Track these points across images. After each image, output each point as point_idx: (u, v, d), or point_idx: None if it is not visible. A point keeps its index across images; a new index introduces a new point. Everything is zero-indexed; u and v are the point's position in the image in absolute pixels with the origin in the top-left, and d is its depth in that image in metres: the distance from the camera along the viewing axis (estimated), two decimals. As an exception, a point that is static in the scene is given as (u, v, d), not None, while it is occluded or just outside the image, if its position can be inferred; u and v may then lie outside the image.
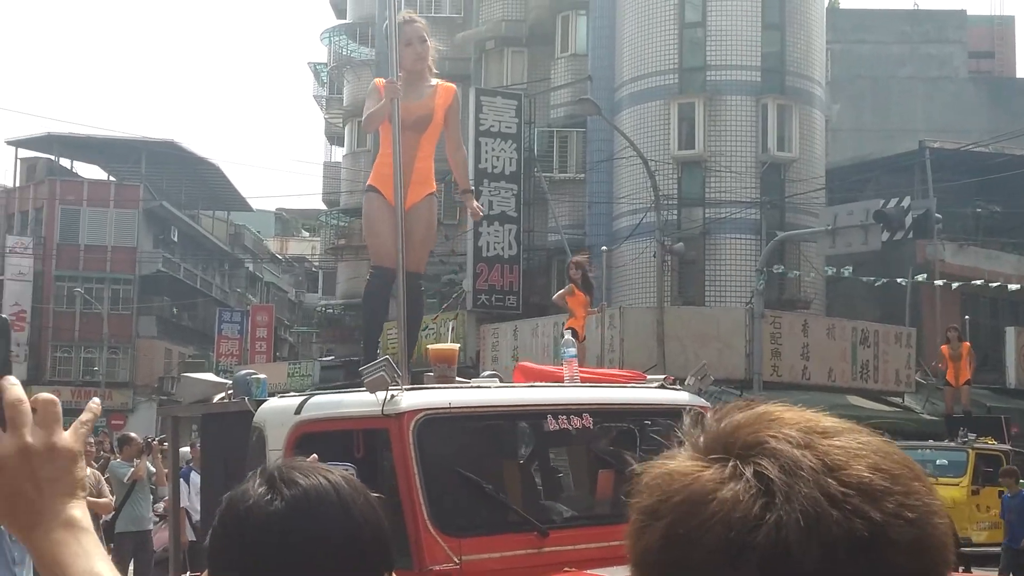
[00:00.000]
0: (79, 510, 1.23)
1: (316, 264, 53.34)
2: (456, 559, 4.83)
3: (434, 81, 6.98)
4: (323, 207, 45.33)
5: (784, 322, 24.22)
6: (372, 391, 5.07)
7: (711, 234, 27.70)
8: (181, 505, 8.05)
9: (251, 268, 62.38)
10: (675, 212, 27.61)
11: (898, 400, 25.04)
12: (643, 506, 0.92)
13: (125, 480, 11.78)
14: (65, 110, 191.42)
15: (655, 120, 28.78)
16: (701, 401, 5.95)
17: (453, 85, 7.19)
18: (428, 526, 4.87)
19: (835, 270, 24.73)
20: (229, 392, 6.33)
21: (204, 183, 54.68)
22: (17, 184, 52.53)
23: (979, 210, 30.41)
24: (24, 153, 52.83)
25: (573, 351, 6.29)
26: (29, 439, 1.20)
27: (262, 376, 6.30)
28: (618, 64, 30.17)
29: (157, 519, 12.47)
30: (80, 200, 49.94)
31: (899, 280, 24.88)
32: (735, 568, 0.84)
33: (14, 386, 1.22)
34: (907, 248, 26.73)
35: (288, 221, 72.98)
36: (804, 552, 0.84)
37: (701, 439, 0.93)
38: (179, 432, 7.25)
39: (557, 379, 6.31)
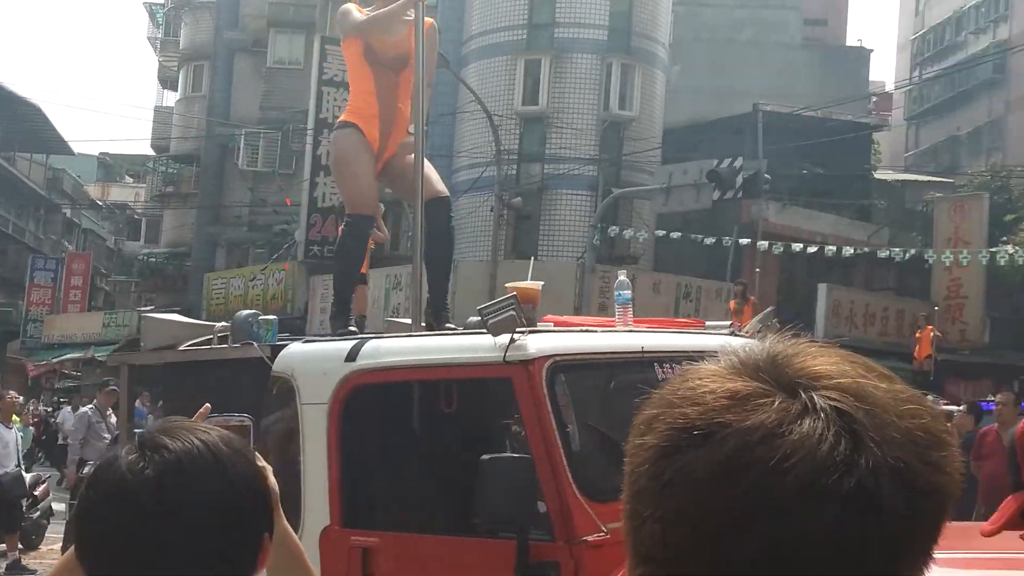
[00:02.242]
0: None
1: (139, 212, 53.15)
2: (604, 528, 4.28)
3: (410, 16, 6.58)
4: (151, 153, 45.31)
5: (612, 277, 26.11)
6: (496, 334, 4.52)
7: (549, 190, 29.38)
8: None
9: (68, 214, 61.55)
10: (515, 167, 29.18)
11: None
12: (676, 423, 0.85)
13: None
14: None
15: (501, 75, 30.17)
16: None
17: (432, 20, 6.86)
18: (575, 491, 4.34)
19: (665, 233, 26.55)
20: (220, 336, 5.92)
21: (22, 123, 53.69)
22: None
23: (804, 172, 32.92)
24: None
25: (628, 294, 5.60)
26: None
27: (271, 317, 5.93)
28: (467, 18, 31.32)
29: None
30: None
31: (724, 240, 26.99)
32: (814, 512, 0.80)
33: None
34: (733, 207, 28.86)
35: (111, 166, 71.85)
36: (893, 502, 0.81)
37: (739, 360, 0.90)
38: (135, 385, 6.63)
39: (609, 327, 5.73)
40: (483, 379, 4.97)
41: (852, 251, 26.34)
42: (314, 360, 5.27)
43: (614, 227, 26.56)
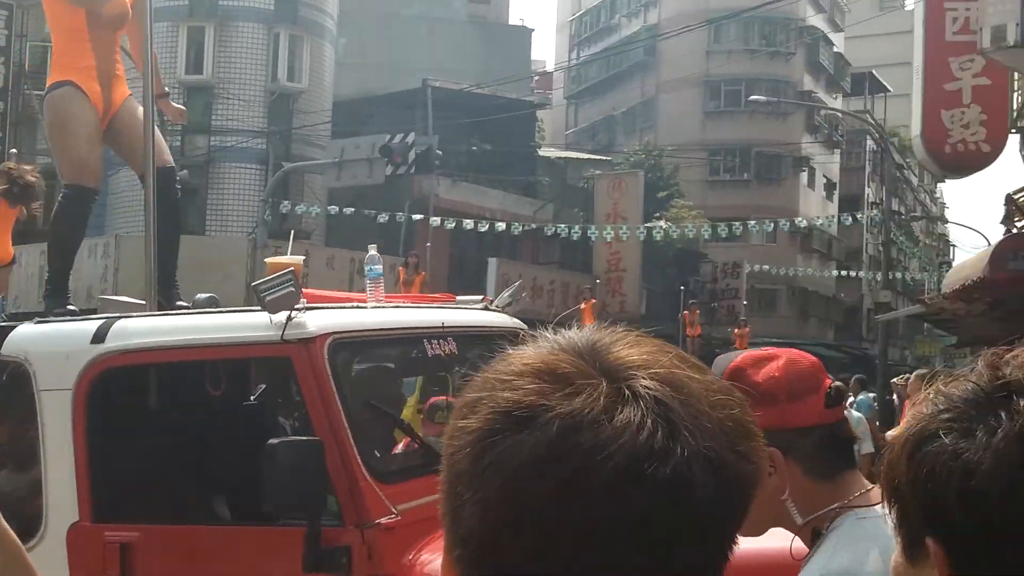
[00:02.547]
0: None
1: None
2: (395, 510, 4.17)
3: None
4: None
5: (284, 252, 25.76)
6: (275, 311, 4.27)
7: (216, 163, 28.60)
8: None
9: None
10: (179, 138, 28.19)
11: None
12: (499, 406, 0.86)
13: None
14: None
15: (162, 42, 29.00)
16: (520, 323, 5.60)
17: None
18: (364, 473, 4.19)
19: (338, 209, 26.47)
20: None
21: None
22: None
23: (474, 148, 33.67)
24: None
25: (379, 268, 5.40)
26: None
27: None
28: (120, -20, 29.97)
29: None
30: None
31: (398, 216, 27.23)
32: (631, 498, 0.82)
33: None
34: (405, 182, 29.15)
35: None
36: (705, 490, 0.84)
37: (560, 346, 0.91)
38: None
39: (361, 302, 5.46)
40: (257, 359, 4.81)
41: (520, 227, 27.19)
42: (53, 342, 4.84)
43: (286, 202, 26.17)
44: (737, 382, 1.91)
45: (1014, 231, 20.99)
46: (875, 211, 38.01)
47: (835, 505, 1.99)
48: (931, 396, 1.12)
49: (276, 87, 29.50)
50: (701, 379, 0.90)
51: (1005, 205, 22.55)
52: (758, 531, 1.99)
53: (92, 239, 25.95)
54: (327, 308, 4.78)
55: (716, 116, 45.50)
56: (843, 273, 42.05)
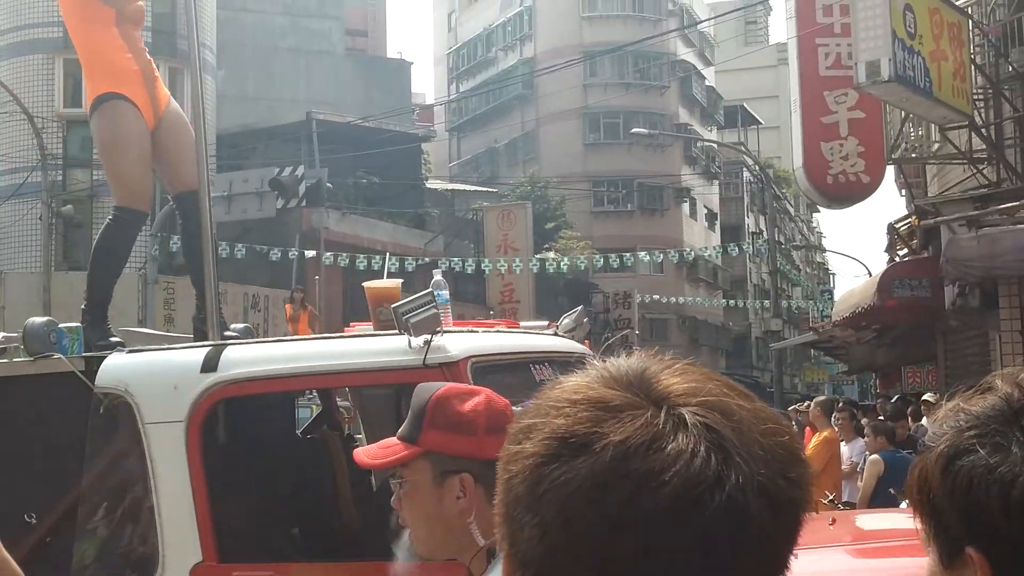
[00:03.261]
0: None
1: None
2: None
3: None
4: None
5: (177, 288, 25.25)
6: (419, 334, 4.12)
7: (100, 196, 27.89)
8: None
9: None
10: (60, 173, 27.45)
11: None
12: (554, 432, 0.89)
13: None
14: None
15: (38, 74, 28.29)
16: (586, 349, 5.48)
17: None
18: None
19: (228, 248, 26.05)
20: (11, 347, 4.93)
21: None
22: None
23: (361, 180, 33.55)
24: None
25: (447, 294, 5.20)
26: None
27: (74, 325, 5.10)
28: (-8, 11, 29.19)
29: None
30: None
31: (290, 252, 26.95)
32: (687, 523, 0.84)
33: None
34: (295, 215, 28.88)
35: None
36: (759, 515, 0.86)
37: (610, 374, 0.93)
38: None
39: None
40: (393, 385, 4.60)
41: (415, 262, 27.21)
42: (156, 373, 4.52)
43: (176, 237, 25.64)
44: (442, 409, 2.18)
45: (897, 259, 21.81)
46: (759, 240, 39.00)
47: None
48: (952, 414, 1.19)
49: (158, 120, 28.94)
50: (750, 407, 0.93)
51: (888, 234, 23.40)
52: (443, 551, 2.15)
53: (-27, 277, 25.09)
54: (456, 332, 4.59)
55: (596, 148, 46.24)
56: (731, 302, 42.97)
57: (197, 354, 4.50)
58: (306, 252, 26.83)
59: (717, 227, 51.66)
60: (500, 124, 47.95)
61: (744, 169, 52.17)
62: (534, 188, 37.97)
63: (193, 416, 4.32)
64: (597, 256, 30.41)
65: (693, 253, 37.59)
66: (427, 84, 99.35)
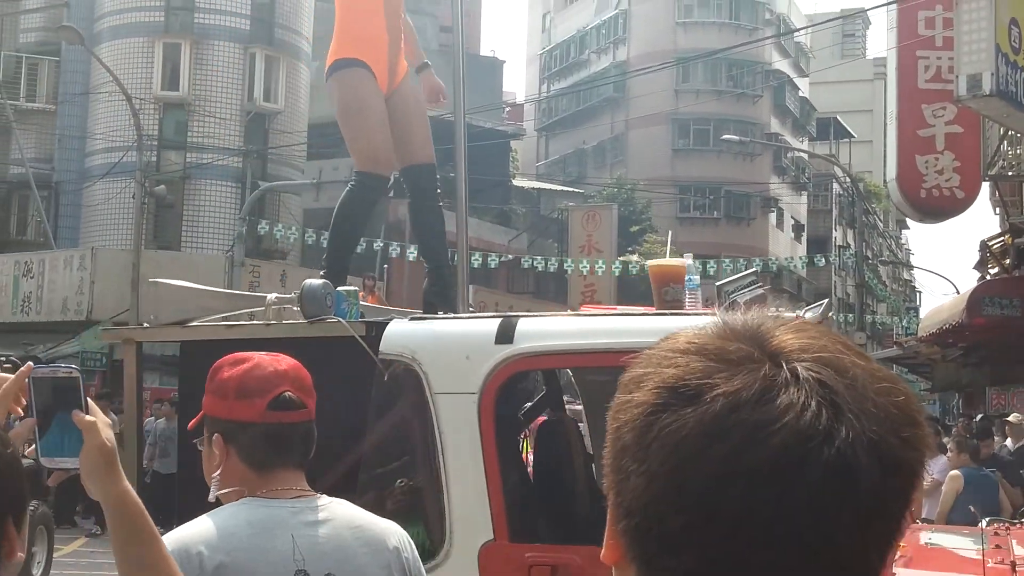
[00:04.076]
0: None
1: None
2: None
3: None
4: None
5: (263, 271, 25.67)
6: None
7: (192, 179, 28.46)
8: None
9: None
10: (155, 154, 28.05)
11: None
12: (665, 382, 0.89)
13: None
14: None
15: (138, 57, 28.90)
16: None
17: None
18: None
19: (315, 233, 26.42)
20: (273, 310, 4.67)
21: None
22: None
23: (450, 175, 33.74)
24: None
25: (697, 279, 5.07)
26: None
27: (353, 288, 4.90)
28: (98, -8, 29.89)
29: None
30: None
31: (375, 243, 27.19)
32: (794, 477, 0.84)
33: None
34: (381, 205, 29.11)
35: None
36: (869, 472, 0.85)
37: (726, 327, 0.93)
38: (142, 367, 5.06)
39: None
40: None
41: (498, 259, 27.30)
42: (446, 342, 4.35)
43: (264, 222, 26.08)
44: (212, 376, 2.41)
45: (988, 277, 21.43)
46: (846, 253, 38.53)
47: (239, 489, 2.36)
48: None
49: (252, 107, 29.45)
50: (865, 365, 0.91)
51: (980, 251, 22.99)
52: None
53: (67, 251, 25.74)
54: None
55: (685, 154, 46.03)
56: (814, 314, 42.27)
57: (489, 324, 4.32)
58: (390, 244, 27.05)
59: (804, 239, 51.12)
60: (589, 126, 47.92)
61: (834, 182, 51.56)
62: (620, 191, 37.88)
63: (487, 388, 4.15)
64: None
65: (778, 263, 37.26)
66: (518, 83, 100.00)
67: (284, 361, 2.46)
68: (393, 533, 2.49)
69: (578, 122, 49.19)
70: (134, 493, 1.81)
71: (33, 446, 1.79)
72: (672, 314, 4.32)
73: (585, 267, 28.88)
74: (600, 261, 28.95)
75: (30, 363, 1.86)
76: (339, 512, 2.41)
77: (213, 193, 28.67)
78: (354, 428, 4.20)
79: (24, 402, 1.80)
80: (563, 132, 50.76)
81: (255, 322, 4.64)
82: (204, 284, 22.85)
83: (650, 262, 4.86)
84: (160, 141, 28.50)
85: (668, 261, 4.86)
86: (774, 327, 0.93)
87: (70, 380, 1.76)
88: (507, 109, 47.11)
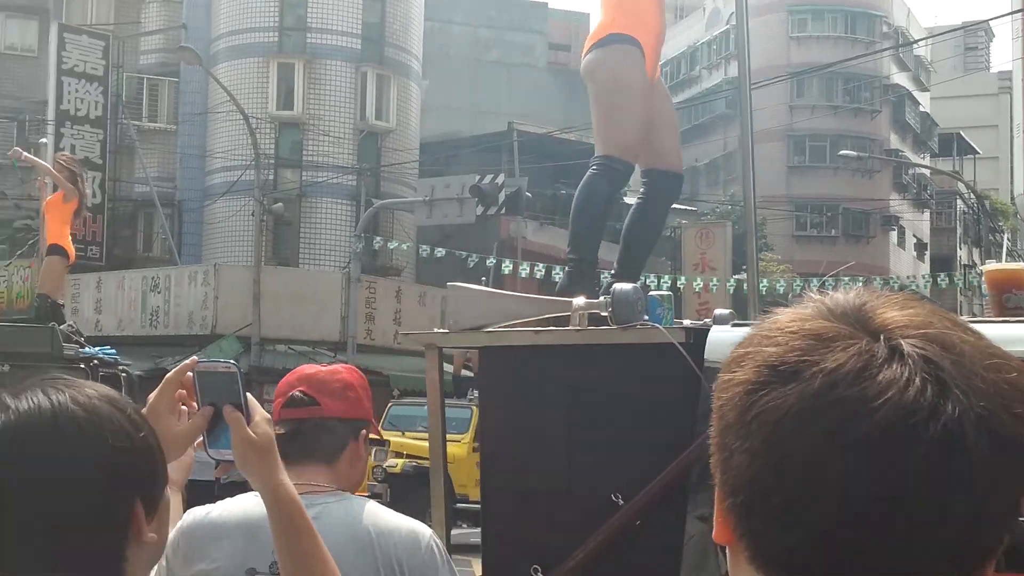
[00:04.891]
0: None
1: None
2: None
3: None
4: None
5: (379, 288, 26.32)
6: None
7: (308, 196, 29.28)
8: None
9: None
10: (272, 172, 28.93)
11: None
12: (765, 360, 0.90)
13: None
14: None
15: (253, 77, 29.86)
16: None
17: None
18: None
19: (429, 251, 26.95)
20: (577, 313, 4.36)
21: None
22: None
23: (563, 192, 34.11)
24: None
25: None
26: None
27: (666, 292, 4.76)
28: (215, 15, 30.87)
29: None
30: None
31: (488, 260, 27.61)
32: (898, 453, 0.84)
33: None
34: (493, 223, 29.64)
35: None
36: (976, 450, 0.84)
37: (827, 306, 0.93)
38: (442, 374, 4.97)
39: None
40: None
41: (608, 275, 27.48)
42: None
43: (378, 238, 26.70)
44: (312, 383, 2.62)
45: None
46: (972, 273, 37.94)
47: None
48: None
49: (364, 125, 30.19)
50: (975, 342, 0.90)
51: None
52: None
53: (191, 267, 26.70)
54: None
55: (801, 171, 45.75)
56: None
57: None
58: (503, 260, 27.46)
59: (927, 257, 50.36)
60: (701, 143, 47.95)
61: (958, 199, 50.74)
62: (734, 208, 37.85)
63: None
64: (797, 280, 30.15)
65: (900, 282, 36.82)
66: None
67: (330, 369, 2.73)
68: (403, 534, 2.49)
69: (689, 139, 49.17)
70: (290, 486, 1.86)
71: (202, 438, 1.83)
72: None
73: (699, 285, 28.94)
74: (714, 279, 28.98)
75: (194, 357, 1.92)
76: (338, 511, 2.46)
77: (329, 210, 29.46)
78: (667, 437, 3.97)
79: (183, 392, 1.84)
80: (674, 149, 50.79)
81: (564, 328, 4.38)
82: (321, 300, 23.36)
83: (986, 267, 4.60)
84: (277, 159, 29.38)
85: (1007, 265, 4.54)
86: (878, 304, 0.92)
87: (228, 375, 1.82)
88: (618, 127, 47.31)
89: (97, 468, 1.31)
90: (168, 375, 1.84)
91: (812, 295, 0.95)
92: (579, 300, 4.44)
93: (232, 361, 1.87)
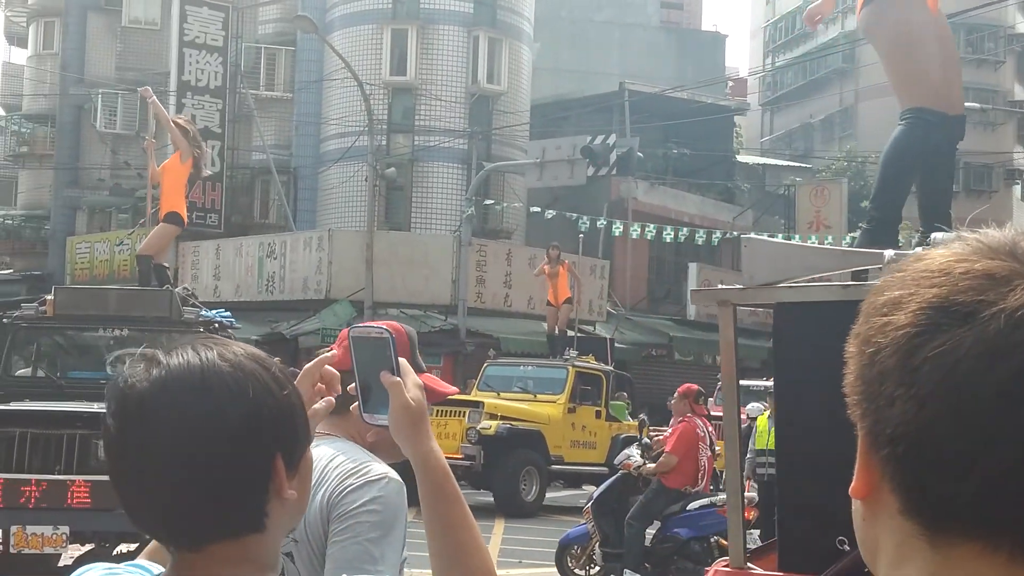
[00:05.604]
0: None
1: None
2: None
3: None
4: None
5: (489, 251, 26.78)
6: None
7: (420, 161, 29.88)
8: None
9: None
10: (385, 137, 29.57)
11: (590, 328, 28.11)
12: (931, 302, 0.85)
13: None
14: None
15: (367, 44, 30.45)
16: None
17: None
18: None
19: (540, 209, 27.34)
20: (889, 266, 3.19)
21: None
22: None
23: (675, 152, 34.21)
24: None
25: None
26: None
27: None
28: (329, -18, 31.60)
29: None
30: None
31: (598, 221, 27.91)
32: None
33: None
34: (604, 184, 29.88)
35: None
36: None
37: (986, 244, 0.87)
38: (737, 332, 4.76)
39: None
40: None
41: (720, 235, 27.62)
42: None
43: (490, 200, 27.17)
44: None
45: None
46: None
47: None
48: None
49: (476, 89, 30.58)
50: None
51: None
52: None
53: (306, 232, 27.53)
54: None
55: (920, 125, 44.91)
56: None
57: None
58: (613, 222, 27.75)
59: (1052, 212, 49.22)
60: (816, 99, 47.41)
61: (1086, 151, 49.33)
62: (851, 165, 37.50)
63: None
64: (914, 235, 29.85)
65: None
66: (741, 58, 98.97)
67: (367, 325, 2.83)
68: (345, 471, 2.42)
69: (804, 95, 48.70)
70: (439, 453, 1.87)
71: (356, 402, 1.86)
72: None
73: (814, 243, 28.90)
74: (829, 237, 28.91)
75: (333, 351, 1.97)
76: (323, 450, 2.42)
77: (440, 175, 30.02)
78: None
79: (322, 386, 1.90)
80: (788, 106, 50.31)
81: (869, 282, 4.14)
82: (433, 264, 23.67)
83: None
84: (389, 125, 30.00)
85: None
86: None
87: (381, 340, 1.84)
88: (730, 84, 47.07)
89: (240, 420, 1.35)
90: (307, 366, 1.91)
91: (961, 235, 0.90)
92: (889, 252, 4.18)
93: (384, 326, 1.89)
